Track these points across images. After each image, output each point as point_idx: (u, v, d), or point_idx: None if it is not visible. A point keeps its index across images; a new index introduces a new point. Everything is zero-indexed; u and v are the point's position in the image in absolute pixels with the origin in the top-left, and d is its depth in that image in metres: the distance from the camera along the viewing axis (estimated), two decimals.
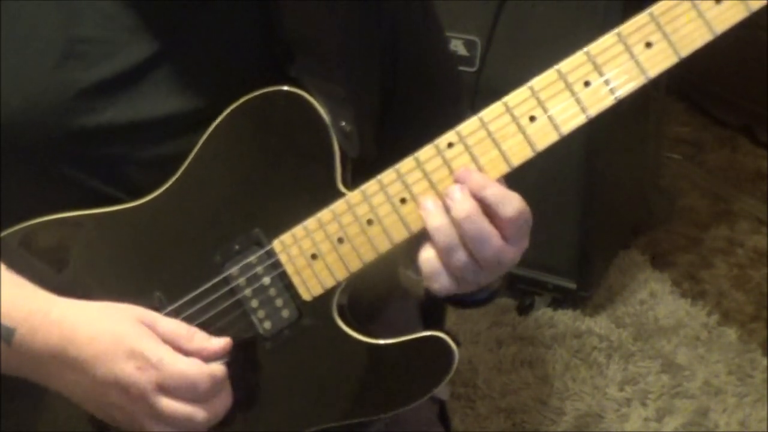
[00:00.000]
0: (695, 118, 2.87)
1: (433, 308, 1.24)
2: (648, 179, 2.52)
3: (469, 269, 0.88)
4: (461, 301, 1.04)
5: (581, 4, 2.02)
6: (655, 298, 2.30)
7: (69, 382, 0.91)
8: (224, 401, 0.92)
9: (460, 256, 0.87)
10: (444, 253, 0.88)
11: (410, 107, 1.07)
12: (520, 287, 2.26)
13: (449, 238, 0.87)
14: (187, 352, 0.91)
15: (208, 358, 0.91)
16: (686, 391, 2.06)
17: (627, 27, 0.87)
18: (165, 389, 0.89)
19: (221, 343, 0.92)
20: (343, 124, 0.94)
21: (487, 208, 0.87)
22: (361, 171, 0.94)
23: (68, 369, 0.90)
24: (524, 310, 2.26)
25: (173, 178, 0.94)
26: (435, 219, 0.88)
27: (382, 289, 1.16)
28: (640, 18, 0.86)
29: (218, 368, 0.91)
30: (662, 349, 2.16)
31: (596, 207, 2.17)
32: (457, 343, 0.95)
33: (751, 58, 2.59)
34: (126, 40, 0.93)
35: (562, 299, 2.27)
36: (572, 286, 2.24)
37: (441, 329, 0.96)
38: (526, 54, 2.09)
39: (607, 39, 0.87)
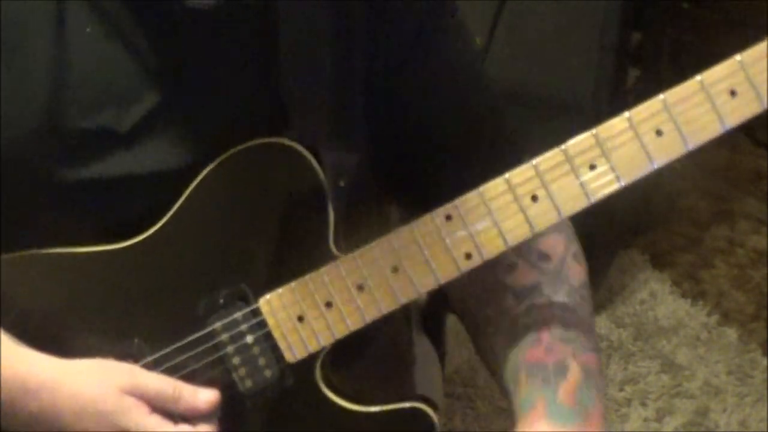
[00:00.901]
0: None
1: (433, 315, 1.24)
2: (648, 179, 2.52)
3: None
4: None
5: (581, 4, 2.02)
6: (655, 298, 2.30)
7: None
8: None
9: None
10: None
11: (456, 153, 1.01)
12: None
13: None
14: (175, 415, 0.89)
15: (198, 418, 0.89)
16: (686, 391, 2.06)
17: (638, 113, 0.84)
18: None
19: (209, 402, 0.89)
20: (341, 183, 0.92)
21: None
22: (359, 228, 0.93)
23: None
24: None
25: (160, 223, 0.91)
26: None
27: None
28: (653, 104, 0.83)
29: (209, 429, 0.89)
30: (662, 349, 2.16)
31: (596, 207, 2.16)
32: (435, 408, 0.94)
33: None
34: (122, 90, 0.89)
35: None
36: None
37: (422, 397, 0.95)
38: (526, 54, 2.09)
39: (617, 123, 0.84)
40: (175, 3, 0.88)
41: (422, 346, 1.24)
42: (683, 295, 2.30)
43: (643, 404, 2.04)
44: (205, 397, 0.90)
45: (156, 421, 0.87)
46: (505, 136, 1.03)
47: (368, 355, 1.10)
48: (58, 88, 0.89)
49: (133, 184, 0.91)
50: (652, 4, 2.20)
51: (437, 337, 1.27)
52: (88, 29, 0.89)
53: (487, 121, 1.02)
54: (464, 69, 1.02)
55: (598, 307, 2.28)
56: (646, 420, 2.01)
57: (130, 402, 0.87)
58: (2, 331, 0.90)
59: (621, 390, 2.07)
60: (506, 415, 2.05)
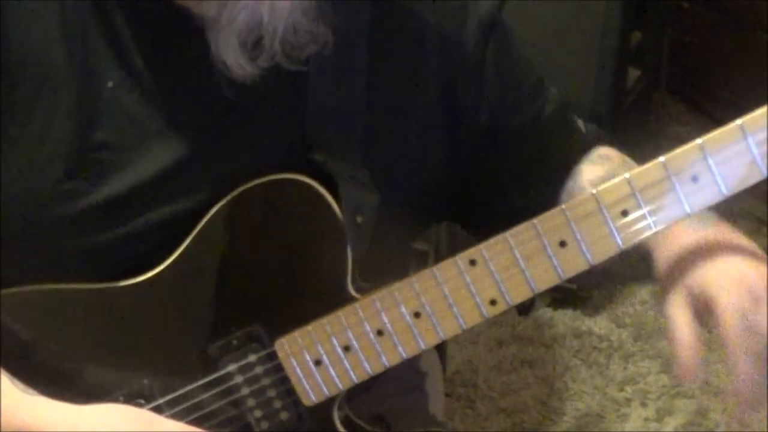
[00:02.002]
0: (695, 118, 2.87)
1: None
2: None
3: None
4: None
5: (581, 4, 2.02)
6: (655, 298, 2.30)
7: None
8: None
9: None
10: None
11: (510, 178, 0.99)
12: None
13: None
14: None
15: None
16: (686, 391, 2.06)
17: (675, 157, 0.80)
18: None
19: None
20: (359, 219, 0.88)
21: None
22: (381, 264, 0.90)
23: None
24: (524, 310, 2.26)
25: (170, 260, 0.88)
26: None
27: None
28: (690, 149, 0.80)
29: None
30: (662, 349, 2.16)
31: None
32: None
33: (751, 59, 2.59)
34: (146, 146, 0.86)
35: (562, 299, 2.27)
36: (572, 286, 2.24)
37: (440, 424, 0.94)
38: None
39: (652, 169, 0.81)
40: (215, 74, 0.84)
41: (427, 356, 1.22)
42: None
43: (643, 404, 2.04)
44: None
45: None
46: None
47: (383, 385, 1.07)
48: (80, 152, 0.86)
49: (147, 228, 0.88)
50: (652, 4, 2.20)
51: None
52: (110, 84, 0.86)
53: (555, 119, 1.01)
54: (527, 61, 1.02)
55: (598, 307, 2.28)
56: (646, 420, 2.01)
57: None
58: (8, 378, 0.86)
59: (621, 390, 2.07)
60: (506, 414, 2.06)
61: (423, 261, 1.17)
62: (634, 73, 2.19)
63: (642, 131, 2.36)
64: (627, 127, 2.18)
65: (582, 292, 2.25)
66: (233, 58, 0.82)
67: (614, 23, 2.00)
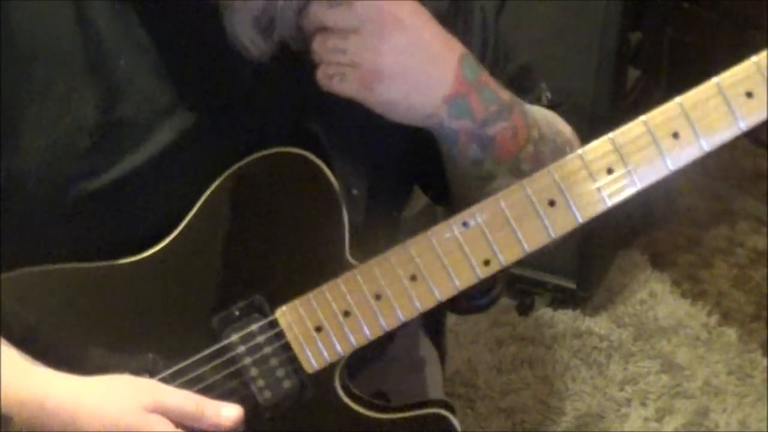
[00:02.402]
0: None
1: (433, 313, 1.24)
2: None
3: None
4: (461, 307, 1.04)
5: (581, 4, 2.02)
6: (655, 298, 2.30)
7: None
8: None
9: None
10: None
11: None
12: (520, 287, 2.26)
13: None
14: (200, 430, 0.87)
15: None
16: (686, 391, 2.06)
17: (655, 116, 0.84)
18: None
19: (232, 418, 0.88)
20: (354, 192, 0.91)
21: None
22: (376, 235, 0.92)
23: None
24: (524, 310, 2.26)
25: (172, 235, 0.90)
26: None
27: None
28: (670, 108, 0.84)
29: None
30: (662, 349, 2.16)
31: None
32: (455, 412, 0.94)
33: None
34: (159, 122, 0.88)
35: (562, 299, 2.27)
36: (572, 286, 2.24)
37: (442, 402, 0.96)
38: (526, 54, 2.09)
39: (634, 127, 0.84)
40: (230, 53, 0.85)
41: (425, 347, 1.24)
42: (683, 295, 2.30)
43: (643, 404, 2.05)
44: (228, 413, 0.88)
45: None
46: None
47: (383, 362, 1.10)
48: (102, 128, 0.87)
49: (155, 203, 0.90)
50: (652, 4, 2.20)
51: (437, 337, 1.27)
52: (121, 62, 0.87)
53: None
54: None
55: (598, 307, 2.28)
56: (646, 420, 2.01)
57: (154, 419, 0.85)
58: (16, 351, 0.89)
59: (621, 390, 2.07)
60: (506, 414, 2.06)
61: None
62: (634, 73, 2.19)
63: None
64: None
65: (582, 292, 2.25)
66: (247, 35, 0.83)
67: (614, 23, 2.00)
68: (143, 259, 0.90)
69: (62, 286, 0.91)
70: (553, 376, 2.11)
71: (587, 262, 2.24)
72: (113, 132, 0.87)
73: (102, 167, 0.87)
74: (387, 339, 1.13)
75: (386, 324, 0.90)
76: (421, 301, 0.89)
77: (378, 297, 0.89)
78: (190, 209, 0.90)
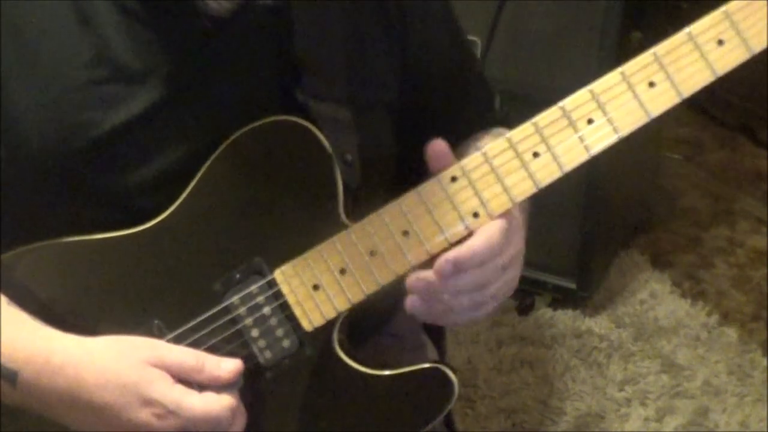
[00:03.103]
0: (695, 118, 2.87)
1: None
2: (648, 179, 2.52)
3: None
4: None
5: (581, 4, 2.02)
6: (655, 298, 2.30)
7: (83, 423, 0.90)
8: (242, 419, 0.92)
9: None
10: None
11: (444, 121, 1.06)
12: (520, 287, 2.25)
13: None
14: (199, 384, 0.89)
15: (221, 387, 0.90)
16: (686, 391, 2.06)
17: (631, 66, 0.88)
18: (189, 430, 0.87)
19: (232, 371, 0.90)
20: (348, 156, 0.94)
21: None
22: (371, 198, 0.94)
23: (80, 412, 0.89)
24: (524, 310, 2.26)
25: (173, 206, 0.93)
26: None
27: (388, 299, 1.16)
28: (644, 58, 0.88)
29: (232, 398, 0.89)
30: (662, 349, 2.16)
31: (596, 207, 2.17)
32: (454, 371, 0.96)
33: (750, 59, 2.59)
34: (141, 81, 0.92)
35: (562, 299, 2.27)
36: (572, 286, 2.24)
37: (441, 360, 0.98)
38: (526, 54, 2.09)
39: (611, 78, 0.88)
40: (195, 6, 0.90)
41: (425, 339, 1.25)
42: (683, 295, 2.30)
43: (643, 404, 2.05)
44: (228, 366, 0.90)
45: (180, 391, 0.88)
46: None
47: (384, 337, 1.12)
48: (90, 87, 0.91)
49: (146, 171, 0.93)
50: (652, 4, 2.19)
51: (437, 337, 1.27)
52: (113, 22, 0.91)
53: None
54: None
55: (598, 307, 2.28)
56: (646, 420, 2.01)
57: (154, 373, 0.88)
58: (23, 311, 0.92)
59: (621, 390, 2.07)
60: (506, 414, 2.06)
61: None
62: None
63: (642, 131, 2.36)
64: None
65: (582, 292, 2.25)
66: None
67: (614, 23, 2.00)
68: (147, 229, 0.93)
69: (66, 259, 0.94)
70: (553, 376, 2.11)
71: (587, 262, 2.24)
72: (98, 91, 0.91)
73: (96, 120, 0.91)
74: (388, 315, 1.15)
75: (381, 279, 0.92)
76: (413, 256, 0.91)
77: (372, 253, 0.92)
78: (183, 178, 0.93)
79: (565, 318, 2.25)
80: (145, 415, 0.87)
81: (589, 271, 2.26)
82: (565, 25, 2.02)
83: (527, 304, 2.26)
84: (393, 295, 1.19)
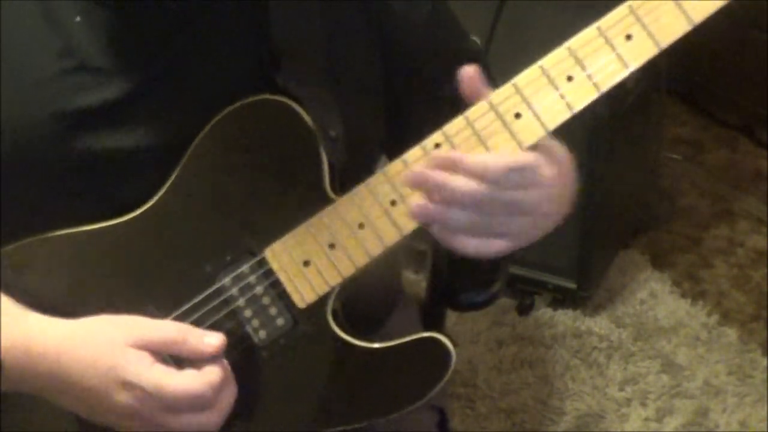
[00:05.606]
0: (695, 118, 2.87)
1: (433, 310, 1.25)
2: (648, 179, 2.52)
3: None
4: (459, 304, 1.04)
5: (581, 4, 2.01)
6: (655, 298, 2.30)
7: (75, 406, 0.91)
8: (230, 394, 0.92)
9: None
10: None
11: (432, 99, 1.05)
12: (520, 287, 2.26)
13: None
14: (183, 357, 0.90)
15: (207, 360, 0.90)
16: (686, 391, 2.07)
17: (606, 21, 0.88)
18: (172, 409, 0.88)
19: (214, 344, 0.90)
20: (332, 133, 0.94)
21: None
22: (358, 177, 0.94)
23: (68, 395, 0.90)
24: (524, 310, 2.26)
25: (160, 193, 0.94)
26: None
27: (383, 296, 1.16)
28: (619, 11, 0.87)
29: (217, 371, 0.89)
30: (662, 349, 2.16)
31: (596, 207, 2.17)
32: (454, 344, 0.95)
33: (751, 59, 2.59)
34: (112, 70, 0.92)
35: (562, 299, 2.27)
36: (572, 286, 2.24)
37: (439, 331, 0.96)
38: (526, 54, 2.09)
39: (588, 33, 0.89)
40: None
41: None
42: (683, 295, 2.30)
43: (643, 404, 2.05)
44: (211, 340, 0.90)
45: (159, 371, 0.88)
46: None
47: (378, 329, 1.12)
48: (60, 75, 0.91)
49: (129, 159, 0.93)
50: None
51: None
52: (77, 19, 0.91)
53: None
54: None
55: (598, 307, 2.28)
56: (646, 420, 2.01)
57: (132, 355, 0.88)
58: (4, 297, 0.92)
59: (621, 390, 2.07)
60: (506, 414, 2.06)
61: (421, 260, 1.18)
62: (633, 73, 2.19)
63: (642, 131, 2.36)
64: (627, 127, 2.18)
65: (582, 292, 2.25)
66: None
67: None
68: (134, 217, 0.94)
69: (57, 252, 0.94)
70: (553, 376, 2.11)
71: (587, 262, 2.24)
72: (68, 79, 0.91)
73: (60, 109, 0.91)
74: (387, 315, 1.15)
75: (371, 251, 0.92)
76: (403, 225, 0.91)
77: (361, 225, 0.91)
78: (166, 162, 0.93)
79: (565, 318, 2.25)
80: (125, 398, 0.87)
81: (589, 271, 2.26)
82: (565, 25, 2.02)
83: (527, 304, 2.26)
84: (390, 294, 1.20)
